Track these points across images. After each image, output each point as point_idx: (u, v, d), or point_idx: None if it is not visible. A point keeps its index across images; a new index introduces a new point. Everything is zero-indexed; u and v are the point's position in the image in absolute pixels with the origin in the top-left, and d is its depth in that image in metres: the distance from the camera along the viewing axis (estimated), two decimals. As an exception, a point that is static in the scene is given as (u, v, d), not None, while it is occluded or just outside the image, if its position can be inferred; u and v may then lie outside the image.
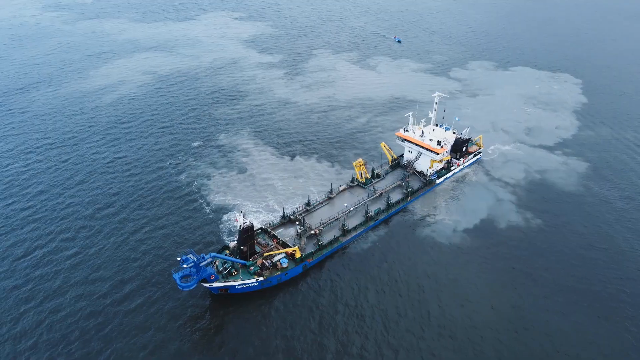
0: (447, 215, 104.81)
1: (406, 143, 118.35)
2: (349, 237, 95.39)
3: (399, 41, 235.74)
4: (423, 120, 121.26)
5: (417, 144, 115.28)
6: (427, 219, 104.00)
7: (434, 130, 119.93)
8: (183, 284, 74.06)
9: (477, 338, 74.91)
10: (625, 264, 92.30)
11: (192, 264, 74.17)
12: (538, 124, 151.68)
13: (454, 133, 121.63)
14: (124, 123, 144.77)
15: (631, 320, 79.16)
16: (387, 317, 78.27)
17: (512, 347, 73.74)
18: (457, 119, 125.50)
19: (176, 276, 74.81)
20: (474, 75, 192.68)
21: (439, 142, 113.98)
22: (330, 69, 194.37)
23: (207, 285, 78.17)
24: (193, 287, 75.29)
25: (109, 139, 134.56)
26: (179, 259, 75.07)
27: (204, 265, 75.83)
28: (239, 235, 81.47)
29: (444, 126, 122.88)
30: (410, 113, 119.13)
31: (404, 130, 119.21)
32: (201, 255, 76.33)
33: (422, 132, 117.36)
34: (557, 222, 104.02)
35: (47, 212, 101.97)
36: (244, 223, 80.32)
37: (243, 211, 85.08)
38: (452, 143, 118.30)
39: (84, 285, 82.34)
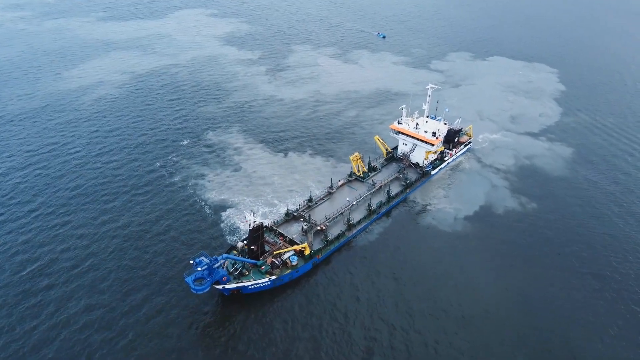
0: (447, 204, 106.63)
1: (400, 135, 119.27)
2: (354, 231, 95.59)
3: (384, 37, 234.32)
4: (416, 113, 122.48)
5: (412, 136, 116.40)
6: (428, 208, 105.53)
7: (427, 122, 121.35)
8: (197, 287, 72.29)
9: (490, 322, 76.80)
10: (623, 243, 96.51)
11: (206, 266, 72.52)
12: (522, 112, 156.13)
13: (445, 124, 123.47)
14: (107, 126, 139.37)
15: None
16: (407, 305, 79.16)
17: (522, 330, 75.97)
18: (447, 109, 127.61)
19: (189, 280, 72.93)
20: (455, 67, 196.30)
21: (433, 134, 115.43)
22: (312, 65, 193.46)
23: (219, 287, 76.57)
24: (207, 289, 73.75)
25: (94, 144, 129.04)
26: (191, 262, 73.20)
27: (216, 267, 74.32)
28: (249, 234, 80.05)
29: (437, 118, 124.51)
30: (404, 106, 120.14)
31: (398, 123, 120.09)
32: (213, 257, 74.67)
33: (417, 124, 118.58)
34: (550, 206, 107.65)
35: (41, 226, 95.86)
36: (253, 222, 79.08)
37: (253, 210, 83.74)
38: (445, 134, 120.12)
39: (95, 299, 78.56)
